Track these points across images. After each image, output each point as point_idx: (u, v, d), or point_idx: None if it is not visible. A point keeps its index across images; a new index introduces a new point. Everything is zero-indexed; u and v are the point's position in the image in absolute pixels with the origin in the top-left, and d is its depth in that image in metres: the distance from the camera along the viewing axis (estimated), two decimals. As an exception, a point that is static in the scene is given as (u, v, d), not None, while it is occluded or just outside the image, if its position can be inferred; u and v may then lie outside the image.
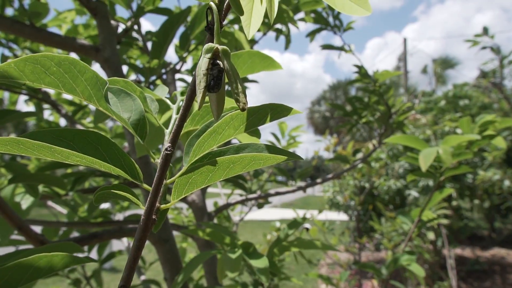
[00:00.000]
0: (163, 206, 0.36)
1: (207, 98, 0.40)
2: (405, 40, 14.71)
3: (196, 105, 0.49)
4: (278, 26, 1.82)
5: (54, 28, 1.85)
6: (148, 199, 0.34)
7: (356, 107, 2.01)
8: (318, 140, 4.02)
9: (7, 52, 1.65)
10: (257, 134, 0.51)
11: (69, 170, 1.63)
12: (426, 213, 1.58)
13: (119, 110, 0.41)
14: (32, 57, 0.38)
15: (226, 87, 0.35)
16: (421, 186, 5.86)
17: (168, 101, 0.50)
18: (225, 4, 0.32)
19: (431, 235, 4.42)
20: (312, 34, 1.95)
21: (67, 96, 1.98)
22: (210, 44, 0.30)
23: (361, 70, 1.93)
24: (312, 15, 1.84)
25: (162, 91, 0.53)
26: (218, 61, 0.30)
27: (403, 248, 1.57)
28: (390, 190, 6.13)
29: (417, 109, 7.04)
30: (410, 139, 1.41)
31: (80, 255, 0.52)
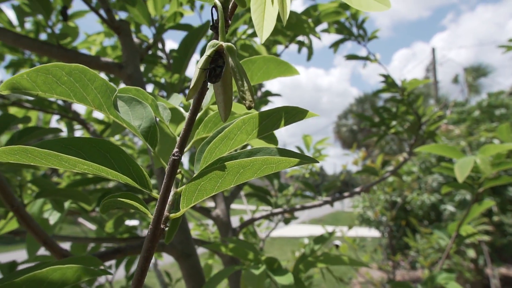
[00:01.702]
0: (172, 215, 0.34)
1: (215, 108, 0.38)
2: (433, 49, 14.36)
3: (210, 112, 0.48)
4: (300, 38, 1.81)
5: (84, 50, 1.93)
6: (156, 207, 0.32)
7: (384, 118, 1.94)
8: (345, 154, 3.93)
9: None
10: (274, 141, 0.49)
11: (99, 187, 1.66)
12: (465, 227, 1.48)
13: (130, 118, 0.40)
14: (44, 68, 0.38)
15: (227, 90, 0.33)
16: (458, 200, 5.57)
17: (181, 110, 0.49)
18: (231, 3, 0.31)
19: (471, 253, 4.16)
20: (335, 45, 1.93)
21: (96, 115, 2.04)
22: (214, 41, 0.29)
23: (387, 79, 1.87)
24: (335, 25, 1.82)
25: (176, 100, 0.52)
26: (220, 58, 0.28)
27: (440, 265, 1.47)
28: (424, 205, 5.87)
29: (449, 118, 6.77)
30: (444, 148, 1.34)
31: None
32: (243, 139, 0.38)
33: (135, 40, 1.14)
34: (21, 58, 1.63)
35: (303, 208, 1.48)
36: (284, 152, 0.34)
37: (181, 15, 1.13)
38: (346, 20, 1.83)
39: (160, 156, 0.56)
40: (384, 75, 1.89)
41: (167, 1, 1.22)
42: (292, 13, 1.23)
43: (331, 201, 1.53)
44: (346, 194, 1.57)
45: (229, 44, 0.29)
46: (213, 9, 0.30)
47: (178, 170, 0.40)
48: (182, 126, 0.60)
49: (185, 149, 0.44)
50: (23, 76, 0.38)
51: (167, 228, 0.35)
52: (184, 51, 1.00)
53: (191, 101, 0.51)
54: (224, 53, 0.28)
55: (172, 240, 1.02)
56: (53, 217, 1.07)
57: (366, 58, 1.96)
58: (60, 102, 1.77)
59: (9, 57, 1.66)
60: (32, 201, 0.84)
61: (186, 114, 0.49)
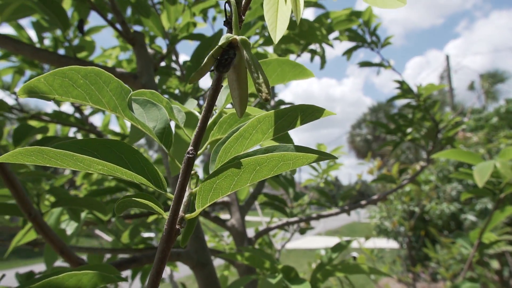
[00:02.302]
0: (187, 215, 0.33)
1: (228, 111, 0.38)
2: (447, 57, 14.19)
3: (224, 115, 0.47)
4: (312, 47, 1.81)
5: (100, 64, 1.98)
6: (171, 206, 0.32)
7: (400, 124, 1.91)
8: (360, 163, 3.88)
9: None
10: (289, 142, 0.48)
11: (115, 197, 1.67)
12: (488, 235, 1.42)
13: (145, 119, 0.40)
14: (60, 71, 0.38)
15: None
16: (479, 209, 5.40)
17: (196, 113, 0.49)
18: (244, -2, 0.30)
19: (495, 264, 4.01)
20: (348, 52, 1.92)
21: (112, 126, 2.07)
22: (228, 34, 0.29)
23: (403, 85, 1.85)
24: (347, 33, 1.81)
25: (191, 104, 0.52)
26: (232, 50, 0.28)
27: (463, 275, 1.41)
28: (443, 214, 5.71)
29: (467, 124, 6.63)
30: (462, 154, 1.30)
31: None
32: (258, 138, 0.37)
33: (149, 51, 1.16)
34: (40, 73, 1.67)
35: (319, 217, 1.46)
36: (301, 149, 0.33)
37: (194, 25, 1.15)
38: (359, 27, 1.82)
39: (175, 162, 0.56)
40: (399, 81, 1.86)
41: (180, 13, 1.24)
42: (304, 20, 1.23)
43: (348, 209, 1.50)
44: (363, 202, 1.54)
45: (243, 37, 0.28)
46: (226, 4, 0.30)
47: (192, 172, 0.39)
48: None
49: (200, 151, 0.44)
50: (40, 80, 0.39)
51: (182, 229, 0.34)
52: (197, 60, 1.01)
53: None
54: (238, 46, 0.28)
55: (187, 246, 1.01)
56: (70, 227, 1.08)
57: (379, 65, 1.94)
58: (77, 115, 1.80)
59: (28, 73, 1.71)
60: (49, 211, 0.85)
61: (200, 115, 0.49)
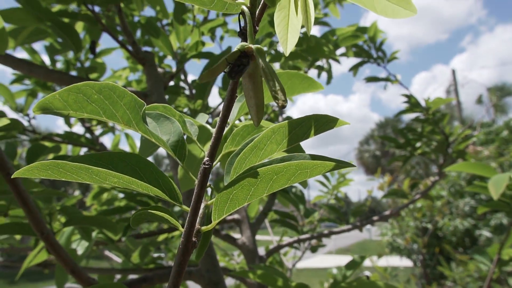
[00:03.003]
0: (204, 228, 0.33)
1: (239, 124, 0.38)
2: (453, 71, 14.20)
3: (235, 128, 0.47)
4: (319, 63, 1.83)
5: (110, 85, 2.01)
6: (187, 218, 0.31)
7: (409, 138, 1.90)
8: (370, 179, 3.83)
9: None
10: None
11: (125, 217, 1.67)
12: (507, 250, 1.38)
13: (158, 133, 0.40)
14: (75, 87, 0.39)
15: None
16: (494, 225, 5.27)
17: (208, 126, 0.49)
18: (258, 8, 0.31)
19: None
20: (355, 68, 1.93)
21: (122, 146, 2.09)
22: (243, 43, 0.29)
23: (410, 99, 1.84)
24: (353, 49, 1.83)
25: (202, 118, 0.52)
26: (245, 58, 0.28)
27: (483, 292, 1.36)
28: (457, 230, 5.58)
29: (477, 137, 6.54)
30: (475, 166, 1.28)
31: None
32: (273, 149, 0.37)
33: (159, 70, 1.18)
34: (52, 95, 1.71)
35: (331, 233, 1.43)
36: (317, 157, 0.32)
37: (203, 44, 1.17)
38: (364, 43, 1.84)
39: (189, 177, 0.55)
40: (406, 95, 1.86)
41: (189, 33, 1.27)
42: (312, 36, 1.25)
43: (360, 225, 1.47)
44: (375, 217, 1.51)
45: (259, 46, 0.29)
46: (240, 16, 0.30)
47: (208, 183, 0.39)
48: (209, 143, 0.60)
49: (214, 163, 0.44)
50: (55, 96, 0.39)
51: (197, 241, 0.34)
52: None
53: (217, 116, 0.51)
54: (254, 55, 0.28)
55: (199, 264, 1.00)
56: (81, 247, 1.08)
57: (386, 79, 1.94)
58: (88, 135, 1.83)
59: (41, 95, 1.75)
60: (61, 230, 0.85)
61: (212, 129, 0.48)
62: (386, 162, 2.13)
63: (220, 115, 0.32)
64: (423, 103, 1.87)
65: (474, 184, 1.34)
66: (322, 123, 0.39)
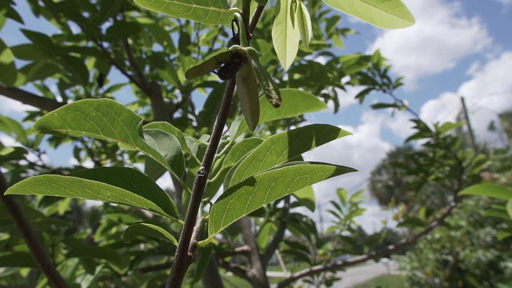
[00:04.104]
0: (200, 242, 0.31)
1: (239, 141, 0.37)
2: (462, 98, 14.19)
3: (236, 142, 0.46)
4: (325, 91, 1.84)
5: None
6: (182, 231, 0.29)
7: (421, 163, 1.86)
8: (384, 208, 3.73)
9: (79, 144, 1.83)
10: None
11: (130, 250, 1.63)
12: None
13: (156, 148, 0.39)
14: (73, 105, 0.39)
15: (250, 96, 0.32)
16: (518, 255, 5.02)
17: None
18: (251, 16, 0.31)
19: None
20: (361, 95, 1.94)
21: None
22: (236, 45, 0.28)
23: (419, 124, 1.82)
24: (358, 77, 1.84)
25: (204, 138, 0.51)
26: (237, 58, 0.27)
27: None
28: (480, 262, 5.31)
29: (493, 166, 6.40)
30: (492, 189, 1.23)
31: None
32: (273, 160, 0.36)
33: (165, 100, 1.19)
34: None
35: (345, 264, 1.37)
36: (317, 163, 0.31)
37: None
38: (369, 71, 1.85)
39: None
40: (415, 120, 1.84)
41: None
42: (315, 63, 1.26)
43: (376, 255, 1.41)
44: (391, 247, 1.45)
45: (251, 48, 0.28)
46: (234, 23, 0.30)
47: (205, 199, 0.37)
48: (215, 164, 0.59)
49: (212, 179, 0.42)
50: (54, 115, 0.39)
51: (195, 262, 0.32)
52: (211, 105, 1.03)
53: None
54: (246, 57, 0.28)
55: (201, 279, 0.95)
56: (85, 281, 1.04)
57: (393, 106, 1.94)
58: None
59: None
60: (64, 263, 0.82)
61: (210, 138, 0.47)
62: (400, 194, 2.08)
63: (215, 123, 0.31)
64: (432, 128, 1.85)
65: (493, 208, 1.28)
66: (324, 133, 0.38)
